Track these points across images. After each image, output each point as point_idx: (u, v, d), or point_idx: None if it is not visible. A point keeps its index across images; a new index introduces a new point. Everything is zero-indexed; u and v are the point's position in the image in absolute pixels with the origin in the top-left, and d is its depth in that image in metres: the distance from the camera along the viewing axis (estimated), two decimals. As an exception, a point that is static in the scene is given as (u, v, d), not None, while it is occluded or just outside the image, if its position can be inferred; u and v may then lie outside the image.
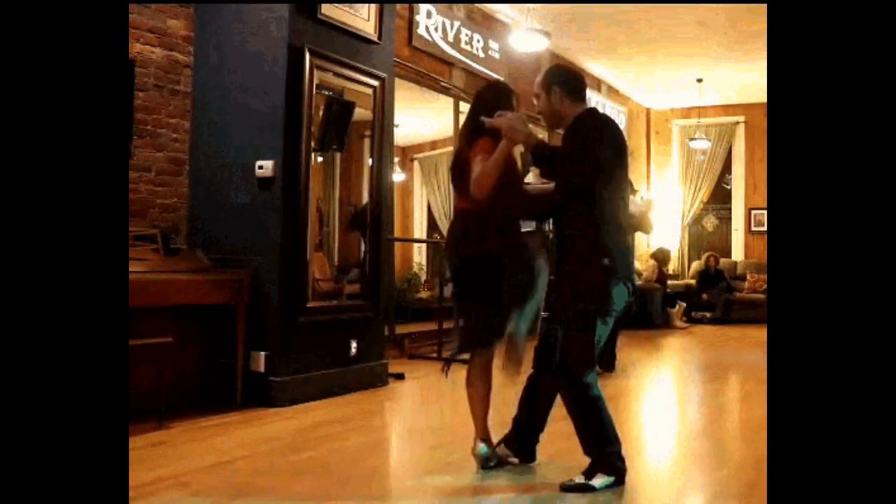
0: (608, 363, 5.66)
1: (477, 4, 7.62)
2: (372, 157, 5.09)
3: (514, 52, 7.61)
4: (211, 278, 4.10)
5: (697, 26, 8.06)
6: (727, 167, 11.81)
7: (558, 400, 3.02)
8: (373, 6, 4.93)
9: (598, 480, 2.76)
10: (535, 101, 3.02)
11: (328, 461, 3.18)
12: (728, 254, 11.69)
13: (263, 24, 4.40)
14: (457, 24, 7.21)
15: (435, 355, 6.33)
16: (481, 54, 7.58)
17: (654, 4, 7.39)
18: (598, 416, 2.82)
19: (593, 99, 10.13)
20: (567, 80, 2.96)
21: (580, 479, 2.77)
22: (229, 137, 4.52)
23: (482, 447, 3.01)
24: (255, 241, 4.36)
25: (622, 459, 2.83)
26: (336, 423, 3.92)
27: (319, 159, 4.84)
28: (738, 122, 11.65)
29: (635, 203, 5.74)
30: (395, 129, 5.95)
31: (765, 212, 11.04)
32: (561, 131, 2.93)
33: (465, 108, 7.34)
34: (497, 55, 7.81)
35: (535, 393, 3.06)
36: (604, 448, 2.80)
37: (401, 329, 6.67)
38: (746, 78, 9.88)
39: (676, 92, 10.94)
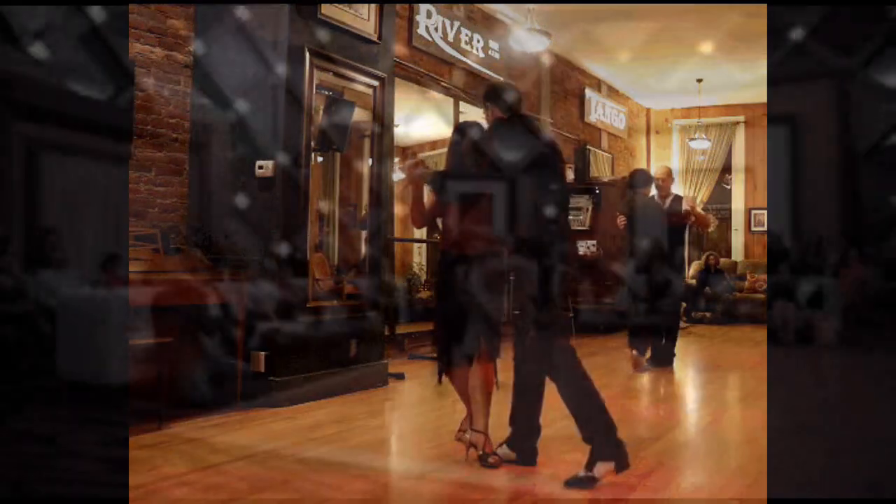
0: (667, 359, 5.70)
1: (477, 4, 7.62)
2: (372, 157, 5.09)
3: (514, 52, 7.62)
4: (211, 278, 4.10)
5: (697, 26, 8.05)
6: (727, 167, 11.81)
7: (559, 401, 3.02)
8: (373, 6, 4.93)
9: (599, 469, 2.80)
10: None
11: (328, 461, 3.18)
12: (728, 254, 11.68)
13: (263, 24, 4.40)
14: (457, 24, 7.21)
15: (435, 355, 6.31)
16: (481, 54, 7.58)
17: (654, 4, 7.38)
18: (588, 403, 2.87)
19: (593, 99, 10.14)
20: (494, 94, 3.24)
21: (583, 474, 2.81)
22: (229, 137, 4.51)
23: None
24: (255, 241, 4.35)
25: (620, 444, 2.85)
26: (336, 423, 3.92)
27: (319, 159, 4.84)
28: (738, 122, 11.65)
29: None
30: (395, 129, 5.95)
31: (765, 212, 11.04)
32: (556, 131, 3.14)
33: (465, 108, 7.39)
34: (497, 55, 7.81)
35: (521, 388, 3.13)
36: (599, 435, 2.83)
37: (401, 329, 6.67)
38: (746, 78, 9.87)
39: (676, 92, 10.94)
